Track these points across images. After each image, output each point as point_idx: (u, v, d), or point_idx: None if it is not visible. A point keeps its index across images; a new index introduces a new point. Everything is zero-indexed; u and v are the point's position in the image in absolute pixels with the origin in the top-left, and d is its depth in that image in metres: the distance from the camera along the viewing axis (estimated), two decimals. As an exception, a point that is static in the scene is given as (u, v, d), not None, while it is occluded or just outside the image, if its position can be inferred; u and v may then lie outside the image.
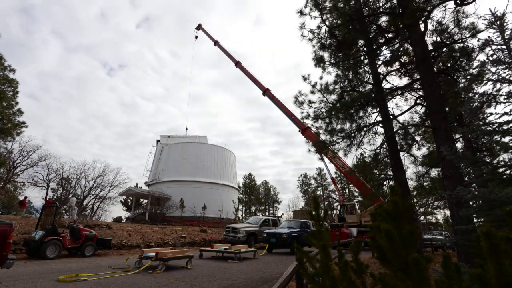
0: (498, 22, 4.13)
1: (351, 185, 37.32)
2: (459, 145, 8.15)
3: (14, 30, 78.49)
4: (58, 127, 65.88)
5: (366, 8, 8.47)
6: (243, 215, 42.87)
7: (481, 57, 10.26)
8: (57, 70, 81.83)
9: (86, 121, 74.22)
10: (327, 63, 9.56)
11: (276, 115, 70.14)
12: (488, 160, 4.36)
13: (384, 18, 8.77)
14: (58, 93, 72.65)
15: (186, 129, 45.22)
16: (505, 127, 3.78)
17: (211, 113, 65.20)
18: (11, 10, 73.03)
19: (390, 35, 8.83)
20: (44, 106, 69.95)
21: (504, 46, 4.04)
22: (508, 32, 4.11)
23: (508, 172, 3.78)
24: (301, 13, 9.12)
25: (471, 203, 4.49)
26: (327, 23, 8.97)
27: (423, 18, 7.42)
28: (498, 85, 4.07)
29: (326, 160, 18.89)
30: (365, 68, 9.44)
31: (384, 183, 9.85)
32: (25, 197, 21.63)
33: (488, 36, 4.64)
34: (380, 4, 8.40)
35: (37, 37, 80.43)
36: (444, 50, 8.07)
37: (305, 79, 10.24)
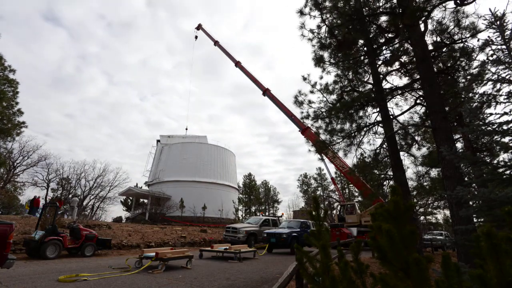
0: (498, 22, 4.13)
1: (351, 185, 37.33)
2: (459, 145, 8.16)
3: (69, 69, 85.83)
4: (86, 139, 69.69)
5: (366, 8, 8.47)
6: (243, 215, 42.87)
7: (481, 57, 10.28)
8: (98, 97, 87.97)
9: (113, 136, 79.54)
10: (327, 63, 9.56)
11: (282, 132, 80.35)
12: (488, 160, 4.36)
13: (384, 18, 8.77)
14: (93, 113, 77.90)
15: (186, 129, 45.17)
16: (505, 127, 3.78)
17: (225, 130, 74.70)
18: (71, 56, 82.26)
19: (390, 35, 8.83)
20: (77, 123, 74.41)
21: (504, 46, 4.04)
22: (508, 32, 4.11)
23: (508, 172, 3.78)
24: (301, 12, 9.12)
25: (471, 203, 4.49)
26: (327, 22, 8.97)
27: (423, 18, 7.41)
28: (498, 85, 4.08)
29: (326, 160, 18.89)
30: (365, 68, 9.44)
31: (384, 183, 9.86)
32: (37, 196, 21.53)
33: (488, 36, 4.64)
34: (380, 4, 8.40)
35: (87, 74, 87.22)
36: (444, 50, 8.07)
37: (304, 79, 10.24)
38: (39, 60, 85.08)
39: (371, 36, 8.78)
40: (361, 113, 9.44)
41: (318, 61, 9.47)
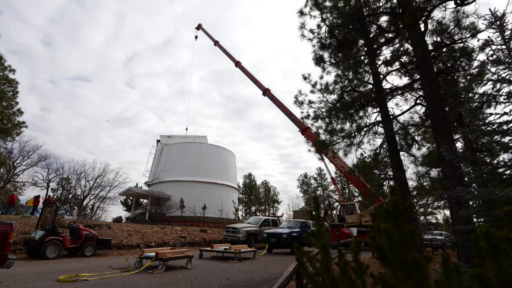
0: (498, 22, 4.13)
1: (351, 185, 37.33)
2: (459, 145, 8.15)
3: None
4: (102, 143, 70.31)
5: (366, 8, 8.47)
6: (243, 215, 42.86)
7: (481, 57, 10.29)
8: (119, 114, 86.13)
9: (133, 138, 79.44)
10: (327, 63, 9.56)
11: (289, 152, 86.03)
12: (488, 160, 4.37)
13: (384, 18, 8.77)
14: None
15: (186, 129, 45.25)
16: (505, 127, 3.79)
17: (243, 151, 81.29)
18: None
19: (390, 35, 8.83)
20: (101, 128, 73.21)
21: (504, 46, 4.04)
22: (508, 32, 4.11)
23: (508, 172, 3.78)
24: (301, 12, 9.12)
25: (471, 203, 4.49)
26: (327, 22, 8.96)
27: (423, 18, 7.41)
28: (498, 85, 4.07)
29: (326, 160, 18.90)
30: (365, 68, 9.43)
31: (384, 183, 9.85)
32: (37, 196, 21.49)
33: (488, 36, 4.64)
34: (380, 4, 8.39)
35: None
36: (444, 50, 8.07)
37: (305, 78, 10.24)
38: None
39: (371, 36, 8.78)
40: (361, 113, 9.44)
41: (318, 61, 9.47)
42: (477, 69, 5.66)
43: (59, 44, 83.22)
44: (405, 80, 9.47)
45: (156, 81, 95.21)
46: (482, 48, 6.77)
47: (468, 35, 7.35)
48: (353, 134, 9.23)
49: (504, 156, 4.36)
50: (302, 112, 10.35)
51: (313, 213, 1.47)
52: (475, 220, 5.01)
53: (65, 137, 66.69)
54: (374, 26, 8.82)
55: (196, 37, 40.42)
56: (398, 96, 9.51)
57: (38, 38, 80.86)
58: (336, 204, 35.33)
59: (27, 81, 68.45)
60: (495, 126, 3.90)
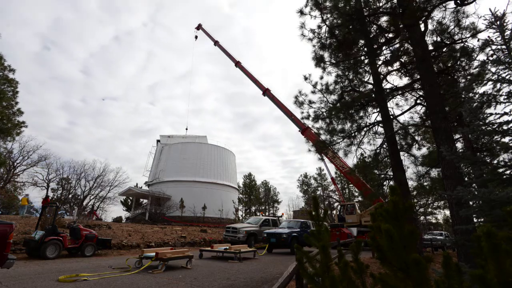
0: (498, 22, 4.13)
1: (351, 185, 37.33)
2: (459, 145, 8.14)
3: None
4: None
5: (366, 8, 8.47)
6: (243, 215, 42.86)
7: (481, 57, 10.25)
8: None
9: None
10: (328, 63, 9.56)
11: (291, 159, 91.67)
12: (488, 160, 4.36)
13: (384, 18, 8.77)
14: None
15: (186, 129, 45.11)
16: (505, 127, 3.78)
17: (249, 158, 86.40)
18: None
19: (390, 35, 8.82)
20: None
21: (504, 46, 4.04)
22: (508, 32, 4.10)
23: (508, 172, 3.77)
24: (301, 12, 9.12)
25: (471, 203, 4.49)
26: (327, 22, 8.96)
27: (423, 18, 7.41)
28: (498, 85, 4.07)
29: (326, 160, 18.89)
30: (365, 68, 9.43)
31: (384, 183, 9.84)
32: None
33: (488, 36, 4.64)
34: (380, 4, 8.39)
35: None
36: (444, 50, 8.07)
37: (306, 78, 10.24)
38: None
39: (371, 36, 8.78)
40: (361, 113, 9.44)
41: (319, 61, 9.46)
42: (477, 69, 5.67)
43: (95, 73, 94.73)
44: (405, 80, 9.47)
45: (176, 101, 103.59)
46: (482, 48, 6.76)
47: (468, 35, 7.35)
48: (353, 134, 9.23)
49: (504, 156, 4.36)
50: (303, 112, 10.35)
51: (313, 213, 1.47)
52: (475, 220, 5.01)
53: (85, 146, 71.57)
54: (374, 26, 8.82)
55: (196, 37, 40.41)
56: (398, 96, 9.51)
57: (77, 68, 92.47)
58: (336, 204, 35.34)
59: (60, 99, 75.03)
60: (495, 126, 3.89)
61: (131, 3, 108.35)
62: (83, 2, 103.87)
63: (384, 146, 9.06)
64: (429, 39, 7.84)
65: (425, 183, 9.99)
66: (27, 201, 20.25)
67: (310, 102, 10.17)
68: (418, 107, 9.13)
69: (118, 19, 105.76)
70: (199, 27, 38.91)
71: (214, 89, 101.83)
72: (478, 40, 7.11)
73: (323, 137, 9.82)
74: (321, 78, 10.00)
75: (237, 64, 30.64)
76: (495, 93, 4.10)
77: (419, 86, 8.40)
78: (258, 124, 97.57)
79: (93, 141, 73.49)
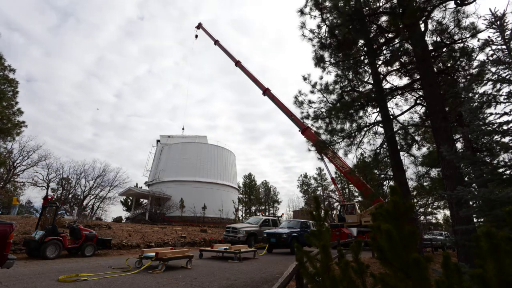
0: (498, 22, 4.13)
1: (351, 185, 37.32)
2: (459, 145, 8.13)
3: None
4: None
5: (366, 8, 8.46)
6: (243, 215, 42.85)
7: (481, 57, 10.28)
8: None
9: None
10: (327, 63, 9.56)
11: (293, 166, 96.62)
12: (488, 160, 4.36)
13: (384, 18, 8.76)
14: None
15: (183, 129, 44.71)
16: (505, 127, 3.79)
17: (253, 164, 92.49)
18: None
19: (390, 35, 8.82)
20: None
21: (504, 46, 4.04)
22: (508, 32, 4.11)
23: (508, 172, 3.78)
24: (301, 12, 9.12)
25: (471, 203, 4.49)
26: (327, 22, 8.96)
27: (423, 18, 7.41)
28: (498, 85, 4.07)
29: (326, 160, 18.89)
30: (365, 68, 9.43)
31: (384, 183, 9.85)
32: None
33: (488, 36, 4.64)
34: (380, 4, 8.39)
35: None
36: (444, 50, 8.06)
37: (305, 79, 10.24)
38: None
39: (371, 36, 8.78)
40: (361, 113, 9.44)
41: (319, 61, 9.46)
42: (477, 69, 5.66)
43: (127, 97, 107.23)
44: (405, 80, 9.46)
45: (194, 119, 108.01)
46: (482, 48, 6.76)
47: (468, 35, 7.35)
48: (353, 134, 9.23)
49: (504, 156, 4.36)
50: (302, 112, 10.35)
51: (313, 213, 1.47)
52: (475, 220, 5.01)
53: (104, 154, 78.27)
54: (374, 26, 8.81)
55: (196, 36, 40.38)
56: (398, 96, 9.51)
57: (111, 93, 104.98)
58: (336, 204, 35.34)
59: (89, 116, 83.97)
60: (495, 126, 3.90)
61: (166, 50, 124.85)
62: (127, 46, 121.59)
63: (384, 146, 9.06)
64: (429, 39, 7.84)
65: (425, 183, 9.99)
66: (17, 200, 20.24)
67: (310, 102, 10.17)
68: (418, 107, 9.13)
69: (153, 59, 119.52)
70: (199, 26, 38.87)
71: (229, 110, 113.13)
72: (478, 40, 7.11)
73: (323, 137, 9.82)
74: (321, 78, 10.00)
75: (237, 63, 30.62)
76: (495, 93, 4.10)
77: (419, 86, 8.40)
78: (265, 137, 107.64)
79: (113, 150, 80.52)
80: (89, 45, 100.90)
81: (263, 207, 48.89)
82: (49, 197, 21.39)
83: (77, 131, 75.05)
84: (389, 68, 9.30)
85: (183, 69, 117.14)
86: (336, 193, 42.32)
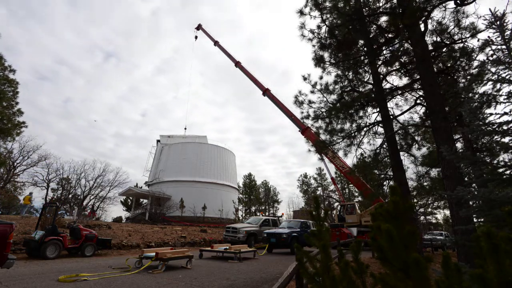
0: (498, 22, 4.13)
1: (351, 185, 37.32)
2: (459, 145, 8.13)
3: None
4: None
5: (366, 8, 8.47)
6: (243, 215, 42.85)
7: (481, 57, 10.26)
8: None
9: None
10: (327, 63, 9.56)
11: (295, 171, 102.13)
12: (488, 160, 4.36)
13: (384, 18, 8.76)
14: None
15: (185, 128, 44.89)
16: (505, 127, 3.79)
17: (259, 170, 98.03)
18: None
19: (390, 35, 8.82)
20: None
21: (504, 46, 4.04)
22: (508, 32, 4.11)
23: (508, 172, 3.78)
24: (301, 12, 9.12)
25: (471, 203, 4.49)
26: (327, 23, 8.96)
27: (423, 18, 7.41)
28: (498, 85, 4.07)
29: (326, 160, 18.89)
30: (365, 68, 9.43)
31: (384, 183, 9.85)
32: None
33: (488, 36, 4.64)
34: (380, 4, 8.40)
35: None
36: (444, 50, 8.07)
37: (305, 79, 10.24)
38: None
39: (371, 36, 8.78)
40: (361, 113, 9.43)
41: (319, 61, 9.46)
42: (477, 69, 5.67)
43: (150, 116, 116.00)
44: (405, 80, 9.45)
45: (212, 133, 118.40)
46: (482, 48, 6.76)
47: (468, 35, 7.35)
48: (353, 134, 9.23)
49: (504, 156, 4.36)
50: (302, 112, 10.35)
51: (313, 213, 1.47)
52: (475, 220, 5.01)
53: (122, 161, 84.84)
54: (374, 26, 8.82)
55: (196, 37, 40.36)
56: (398, 96, 9.51)
57: (138, 113, 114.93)
58: (336, 204, 35.34)
59: (113, 130, 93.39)
60: (495, 126, 3.90)
61: (193, 81, 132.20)
62: (158, 78, 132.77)
63: (384, 146, 9.06)
64: (429, 39, 7.84)
65: (425, 183, 9.99)
66: (30, 200, 20.18)
67: (310, 102, 10.17)
68: (418, 107, 9.13)
69: (179, 87, 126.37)
70: (199, 27, 38.84)
71: (239, 126, 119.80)
72: (478, 40, 7.12)
73: (322, 137, 9.82)
74: (321, 78, 10.00)
75: (237, 64, 30.61)
76: (495, 93, 4.10)
77: (419, 86, 8.40)
78: (270, 148, 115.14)
79: (131, 158, 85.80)
80: (126, 79, 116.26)
81: (263, 207, 48.89)
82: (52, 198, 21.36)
83: (101, 142, 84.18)
84: (389, 68, 9.30)
85: (202, 92, 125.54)
86: (336, 193, 42.33)
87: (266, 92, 26.49)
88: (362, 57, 9.25)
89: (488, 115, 4.01)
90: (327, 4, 8.73)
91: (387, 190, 9.59)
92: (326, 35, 9.13)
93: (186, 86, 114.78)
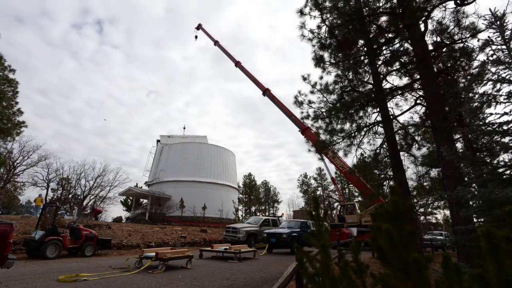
0: (498, 22, 4.13)
1: (351, 185, 37.31)
2: (459, 145, 8.13)
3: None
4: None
5: (366, 8, 8.46)
6: (243, 215, 42.84)
7: (481, 57, 10.26)
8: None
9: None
10: (327, 63, 9.55)
11: (296, 177, 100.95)
12: (488, 160, 4.36)
13: (384, 18, 8.76)
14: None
15: (184, 128, 44.70)
16: (505, 127, 3.79)
17: (264, 177, 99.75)
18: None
19: (390, 35, 8.82)
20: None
21: (504, 46, 4.04)
22: (508, 32, 4.11)
23: (508, 172, 3.78)
24: (301, 12, 9.12)
25: (471, 203, 4.49)
26: (327, 23, 8.96)
27: (423, 18, 7.41)
28: (498, 85, 4.07)
29: (326, 160, 18.89)
30: (365, 68, 9.42)
31: (384, 183, 9.84)
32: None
33: (488, 36, 4.64)
34: (380, 4, 8.39)
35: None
36: (444, 50, 8.06)
37: (304, 79, 10.23)
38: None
39: (371, 36, 8.77)
40: (361, 113, 9.43)
41: (318, 61, 9.46)
42: (477, 69, 5.66)
43: (164, 122, 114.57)
44: (405, 80, 9.45)
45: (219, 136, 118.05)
46: (482, 48, 6.75)
47: (468, 35, 7.35)
48: (353, 134, 9.23)
49: (504, 156, 4.36)
50: (302, 112, 10.34)
51: (313, 213, 1.47)
52: (475, 220, 5.01)
53: (129, 159, 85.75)
54: (374, 26, 8.81)
55: (196, 37, 40.35)
56: (398, 96, 9.50)
57: (164, 131, 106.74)
58: (336, 204, 35.34)
59: (139, 144, 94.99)
60: (495, 126, 3.90)
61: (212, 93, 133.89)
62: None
63: (384, 146, 9.06)
64: (429, 39, 7.84)
65: (425, 183, 9.99)
66: (41, 202, 20.20)
67: (310, 102, 10.16)
68: (418, 107, 9.12)
69: (204, 115, 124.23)
70: (199, 27, 38.84)
71: (249, 143, 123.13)
72: (478, 40, 7.11)
73: (322, 137, 9.81)
74: (321, 78, 9.99)
75: (237, 64, 30.62)
76: (495, 93, 4.10)
77: (419, 86, 8.40)
78: (275, 159, 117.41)
79: (138, 158, 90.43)
80: (162, 109, 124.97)
81: (263, 207, 48.89)
82: (52, 198, 21.38)
83: (125, 153, 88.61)
84: (389, 68, 9.30)
85: (222, 117, 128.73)
86: (336, 193, 42.33)
87: (266, 92, 26.49)
88: (362, 57, 9.24)
89: (488, 115, 4.01)
90: (327, 4, 8.73)
91: (387, 190, 9.59)
92: (326, 35, 9.12)
93: (210, 115, 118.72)
